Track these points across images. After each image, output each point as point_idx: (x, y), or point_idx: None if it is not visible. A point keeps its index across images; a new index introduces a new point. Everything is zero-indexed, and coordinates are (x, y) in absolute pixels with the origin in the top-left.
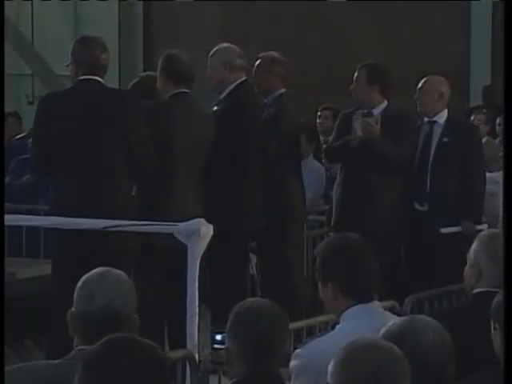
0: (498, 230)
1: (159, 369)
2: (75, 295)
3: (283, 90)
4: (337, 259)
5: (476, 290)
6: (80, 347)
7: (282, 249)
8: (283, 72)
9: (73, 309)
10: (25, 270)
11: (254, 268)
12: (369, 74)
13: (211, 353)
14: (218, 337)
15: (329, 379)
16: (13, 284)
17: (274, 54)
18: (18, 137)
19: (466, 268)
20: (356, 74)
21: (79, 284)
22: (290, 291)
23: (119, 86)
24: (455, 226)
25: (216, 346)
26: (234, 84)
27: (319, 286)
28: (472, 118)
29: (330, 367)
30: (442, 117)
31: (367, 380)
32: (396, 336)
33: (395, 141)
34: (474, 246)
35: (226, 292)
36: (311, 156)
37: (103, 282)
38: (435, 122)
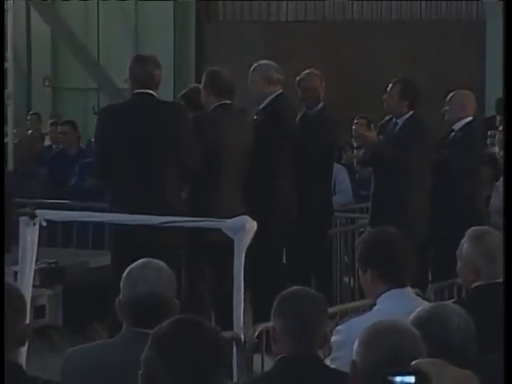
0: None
1: (220, 347)
2: (121, 284)
3: (322, 104)
4: (376, 249)
5: (475, 284)
6: (129, 329)
7: (310, 241)
8: (323, 87)
9: (120, 297)
10: (95, 259)
11: None
12: (402, 90)
13: None
14: None
15: (354, 357)
16: (85, 272)
17: (316, 71)
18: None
19: (460, 265)
20: (390, 86)
21: (124, 274)
22: (318, 280)
23: (174, 96)
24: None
25: None
26: (272, 96)
27: (359, 272)
28: None
29: (355, 347)
30: (459, 125)
31: (388, 359)
32: (425, 320)
33: (406, 145)
34: (465, 245)
35: (265, 279)
36: None
37: (145, 271)
38: (453, 130)
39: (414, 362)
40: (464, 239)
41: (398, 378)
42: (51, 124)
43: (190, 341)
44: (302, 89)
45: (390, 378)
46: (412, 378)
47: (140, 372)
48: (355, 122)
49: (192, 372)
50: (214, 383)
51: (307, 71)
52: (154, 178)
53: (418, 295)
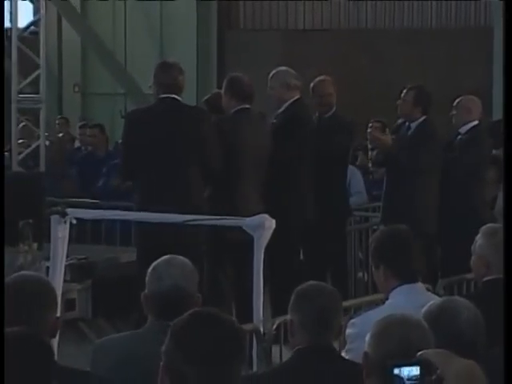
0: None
1: (238, 338)
2: (147, 279)
3: (335, 108)
4: (388, 246)
5: (486, 278)
6: (154, 321)
7: (325, 238)
8: (335, 92)
9: (145, 291)
10: (122, 255)
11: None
12: (415, 96)
13: None
14: None
15: (366, 348)
16: (113, 267)
17: (328, 77)
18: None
19: (473, 259)
20: (404, 93)
21: (149, 270)
22: (334, 275)
23: (197, 100)
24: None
25: None
26: (290, 101)
27: (372, 268)
28: None
29: (367, 339)
30: (465, 129)
31: (398, 351)
32: (435, 314)
33: (419, 148)
34: (479, 241)
35: (283, 275)
36: None
37: (169, 266)
38: (459, 133)
39: (419, 353)
40: (478, 235)
41: (404, 370)
42: (80, 127)
43: (208, 332)
44: (316, 94)
45: (395, 369)
46: (417, 369)
47: (161, 363)
48: (370, 125)
49: (210, 362)
50: (232, 373)
51: (321, 77)
52: (177, 178)
53: (428, 290)
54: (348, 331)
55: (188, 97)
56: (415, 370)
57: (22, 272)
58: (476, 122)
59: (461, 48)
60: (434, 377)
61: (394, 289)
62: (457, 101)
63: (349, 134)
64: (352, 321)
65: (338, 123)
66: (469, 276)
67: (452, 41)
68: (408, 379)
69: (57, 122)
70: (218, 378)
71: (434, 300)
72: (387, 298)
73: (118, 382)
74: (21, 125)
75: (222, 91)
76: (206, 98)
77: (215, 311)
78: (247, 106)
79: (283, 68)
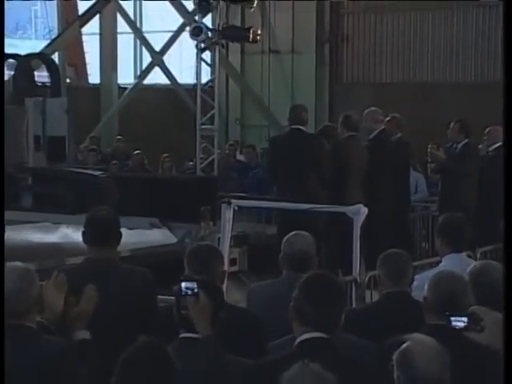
0: None
1: (339, 289)
2: (282, 245)
3: (400, 134)
4: (445, 225)
5: None
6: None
7: (398, 221)
8: (402, 125)
9: (281, 254)
10: (266, 229)
11: None
12: (460, 126)
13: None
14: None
15: (425, 294)
16: (260, 237)
17: (396, 115)
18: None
19: None
20: (452, 124)
21: (284, 240)
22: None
23: (315, 129)
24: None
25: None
26: (377, 131)
27: (435, 239)
28: None
29: (426, 287)
30: (492, 148)
31: (446, 296)
32: (476, 274)
33: (463, 161)
34: None
35: (372, 244)
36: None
37: (297, 238)
38: (489, 151)
39: (470, 308)
40: None
41: (457, 318)
42: (240, 147)
43: (320, 285)
44: (387, 126)
45: (451, 318)
46: (466, 319)
47: (291, 304)
48: (429, 146)
49: (322, 305)
50: (337, 311)
51: (392, 114)
52: (303, 180)
53: (469, 256)
54: (413, 284)
55: (309, 127)
56: (464, 320)
57: (203, 241)
58: (500, 143)
59: (491, 96)
60: (478, 327)
61: (445, 255)
62: (487, 129)
63: (406, 150)
64: (415, 276)
65: (402, 144)
66: (500, 246)
67: (487, 91)
68: (459, 326)
69: (231, 143)
70: (327, 314)
71: (473, 264)
72: (440, 261)
73: (264, 316)
74: (202, 145)
75: (339, 123)
76: (320, 128)
77: (325, 272)
78: (353, 133)
79: (373, 108)
